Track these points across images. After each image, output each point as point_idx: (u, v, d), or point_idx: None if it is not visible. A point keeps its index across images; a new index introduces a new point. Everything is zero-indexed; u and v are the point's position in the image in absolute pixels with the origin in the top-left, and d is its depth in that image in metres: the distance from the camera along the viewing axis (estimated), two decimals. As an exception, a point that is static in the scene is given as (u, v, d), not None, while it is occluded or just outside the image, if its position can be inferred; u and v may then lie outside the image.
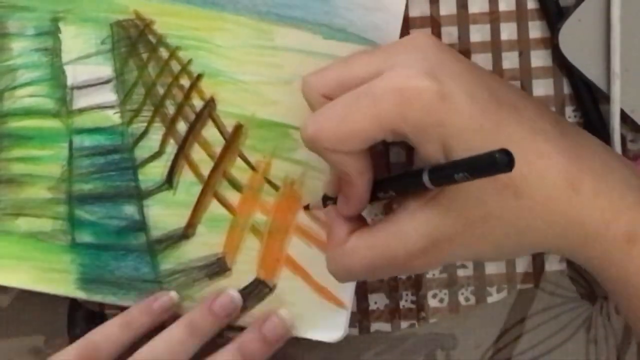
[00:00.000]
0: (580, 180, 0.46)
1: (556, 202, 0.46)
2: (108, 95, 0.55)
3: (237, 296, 0.55)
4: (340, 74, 0.47)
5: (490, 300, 0.57)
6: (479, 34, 0.55)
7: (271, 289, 0.55)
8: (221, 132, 0.55)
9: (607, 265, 0.47)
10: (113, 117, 0.55)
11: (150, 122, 0.55)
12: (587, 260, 0.48)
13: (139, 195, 0.55)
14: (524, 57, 0.56)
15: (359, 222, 0.50)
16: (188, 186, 0.55)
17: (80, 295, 0.56)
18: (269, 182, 0.55)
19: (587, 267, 0.49)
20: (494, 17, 0.55)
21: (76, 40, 0.55)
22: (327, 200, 0.52)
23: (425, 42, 0.46)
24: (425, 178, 0.44)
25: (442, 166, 0.44)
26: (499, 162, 0.39)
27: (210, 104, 0.55)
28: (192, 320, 0.54)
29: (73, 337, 0.57)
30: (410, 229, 0.46)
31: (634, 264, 0.47)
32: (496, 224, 0.46)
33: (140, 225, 0.55)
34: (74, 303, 0.57)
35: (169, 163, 0.55)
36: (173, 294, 0.55)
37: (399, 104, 0.44)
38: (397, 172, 0.54)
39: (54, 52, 0.55)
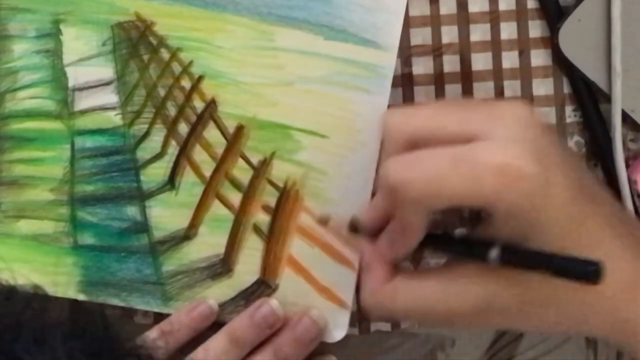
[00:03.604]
0: None
1: (619, 300, 0.45)
2: (109, 97, 0.55)
3: (277, 306, 0.54)
4: (429, 123, 0.45)
5: (491, 299, 0.57)
6: (479, 33, 0.55)
7: (273, 290, 0.55)
8: (223, 133, 0.55)
9: None
10: (114, 118, 0.55)
11: (151, 124, 0.55)
12: (636, 352, 0.48)
13: (141, 196, 0.55)
14: (524, 56, 0.56)
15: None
16: (190, 187, 0.55)
17: (82, 297, 0.56)
18: (271, 183, 0.55)
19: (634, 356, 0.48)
20: (494, 17, 0.55)
21: (77, 42, 0.55)
22: (356, 228, 0.51)
23: (526, 116, 0.44)
24: (494, 254, 0.43)
25: (521, 251, 0.43)
26: (589, 273, 0.39)
27: (211, 105, 0.55)
28: (234, 330, 0.54)
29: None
30: (466, 290, 0.45)
31: None
32: (555, 312, 0.45)
33: (143, 227, 0.55)
34: (74, 302, 0.57)
35: (171, 164, 0.55)
36: (212, 303, 0.55)
37: (501, 183, 0.42)
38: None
39: (55, 54, 0.55)
